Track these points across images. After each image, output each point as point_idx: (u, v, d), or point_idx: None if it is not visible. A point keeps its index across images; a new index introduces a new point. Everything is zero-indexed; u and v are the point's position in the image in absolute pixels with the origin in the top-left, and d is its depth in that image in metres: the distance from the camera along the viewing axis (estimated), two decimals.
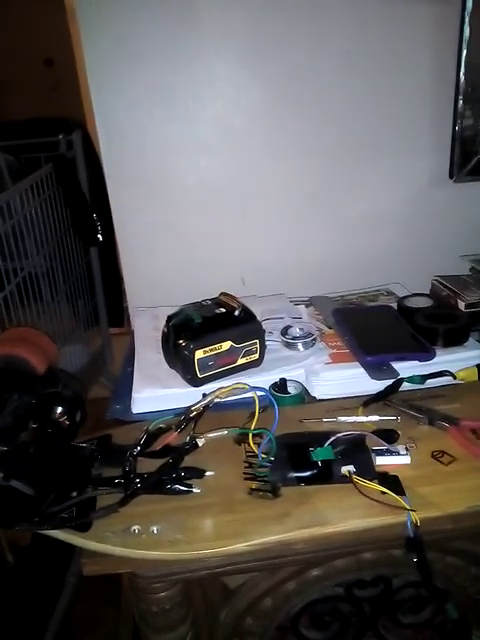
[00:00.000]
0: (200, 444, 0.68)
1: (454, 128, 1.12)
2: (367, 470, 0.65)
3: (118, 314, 1.65)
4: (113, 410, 0.87)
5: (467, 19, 1.02)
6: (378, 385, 0.81)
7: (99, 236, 1.48)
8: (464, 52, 1.05)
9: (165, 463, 0.65)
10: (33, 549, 1.24)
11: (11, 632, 1.14)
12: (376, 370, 0.84)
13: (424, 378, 0.81)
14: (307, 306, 1.08)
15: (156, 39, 1.04)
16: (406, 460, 0.67)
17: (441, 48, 1.08)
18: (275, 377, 0.85)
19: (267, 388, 0.81)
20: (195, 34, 1.04)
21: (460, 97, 1.09)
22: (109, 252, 1.48)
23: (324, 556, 0.68)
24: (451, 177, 1.17)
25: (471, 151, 1.13)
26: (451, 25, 1.05)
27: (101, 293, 1.62)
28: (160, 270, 1.22)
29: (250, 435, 0.69)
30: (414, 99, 1.13)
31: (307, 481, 0.65)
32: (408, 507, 0.61)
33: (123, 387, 0.90)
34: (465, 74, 1.07)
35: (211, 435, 0.70)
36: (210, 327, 0.83)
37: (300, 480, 0.66)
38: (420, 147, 1.17)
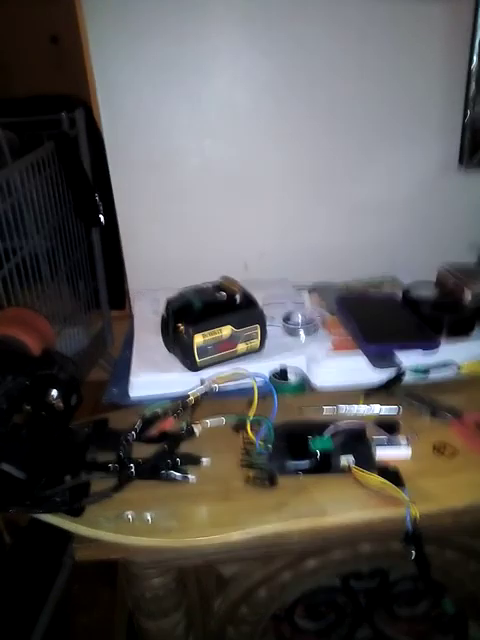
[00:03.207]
0: (197, 431, 0.67)
1: (465, 114, 1.09)
2: (367, 461, 0.64)
3: (120, 297, 1.64)
4: (110, 394, 0.86)
5: None
6: (380, 375, 0.80)
7: (101, 217, 1.46)
8: (478, 34, 1.02)
9: (161, 449, 0.64)
10: (31, 530, 1.24)
11: (7, 613, 1.15)
12: (378, 359, 0.82)
13: (428, 369, 0.80)
14: (310, 292, 1.06)
15: (160, 16, 1.01)
16: (407, 452, 0.66)
17: (453, 31, 1.05)
18: (275, 364, 0.83)
19: (267, 375, 0.80)
20: (200, 11, 1.02)
21: (472, 82, 1.06)
22: (111, 234, 1.45)
23: (321, 547, 0.67)
24: (460, 164, 1.14)
25: None
26: (460, 8, 1.01)
27: (102, 275, 1.61)
28: (162, 252, 1.20)
29: (248, 423, 0.67)
30: (424, 84, 1.10)
31: (305, 471, 0.64)
32: (408, 500, 0.59)
33: (121, 370, 0.89)
34: (477, 58, 1.04)
35: (208, 422, 0.68)
36: (210, 312, 0.82)
37: (298, 470, 0.64)
38: (429, 133, 1.15)
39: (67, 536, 0.62)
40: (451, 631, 0.78)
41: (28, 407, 0.64)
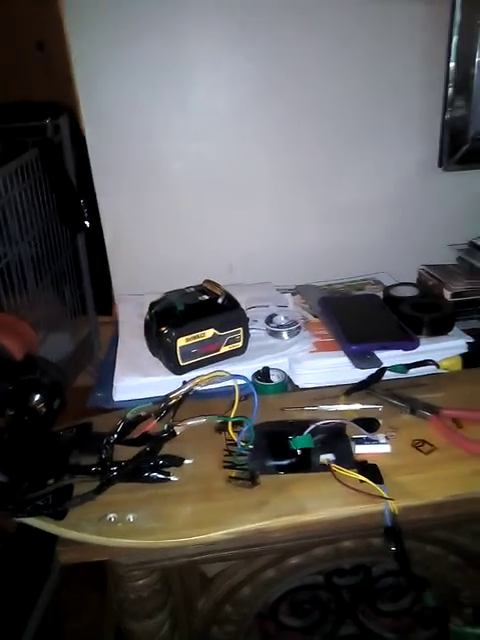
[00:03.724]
0: (178, 432, 0.68)
1: (443, 116, 1.11)
2: (346, 459, 0.65)
3: (107, 302, 1.63)
4: (95, 398, 0.86)
5: (458, 4, 1.01)
6: (362, 374, 0.81)
7: (86, 222, 1.46)
8: (454, 38, 1.04)
9: (142, 451, 0.64)
10: (19, 536, 1.24)
11: None
12: (360, 359, 0.83)
13: (407, 367, 0.81)
14: (293, 294, 1.07)
15: (144, 22, 1.02)
16: (386, 449, 0.67)
17: (432, 35, 1.06)
18: (258, 365, 0.84)
19: (250, 376, 0.81)
20: (183, 16, 1.02)
21: (450, 85, 1.08)
22: (97, 239, 1.46)
23: (303, 544, 0.68)
24: (440, 166, 1.16)
25: (460, 140, 1.12)
26: (442, 11, 1.03)
27: (88, 280, 1.61)
28: (147, 257, 1.21)
29: (230, 423, 0.68)
30: (404, 86, 1.12)
31: (286, 469, 0.65)
32: (386, 496, 0.60)
33: (106, 375, 0.89)
34: (455, 61, 1.06)
35: (190, 423, 0.69)
36: (193, 315, 0.83)
37: (279, 468, 0.65)
38: (409, 135, 1.16)
39: (55, 541, 0.62)
40: (433, 625, 0.79)
41: (11, 412, 0.65)
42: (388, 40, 1.08)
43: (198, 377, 0.70)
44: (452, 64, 1.06)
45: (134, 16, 1.02)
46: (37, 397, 0.67)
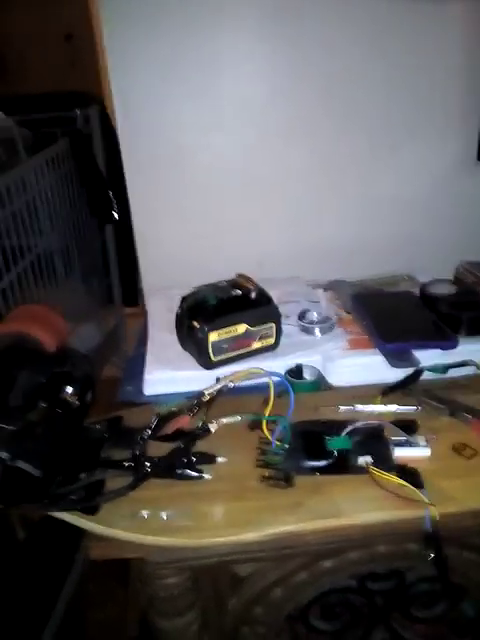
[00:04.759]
0: (212, 429, 0.66)
1: None
2: (385, 461, 0.63)
3: (133, 294, 1.63)
4: (124, 391, 0.86)
5: None
6: (398, 373, 0.78)
7: (114, 214, 1.46)
8: None
9: (176, 447, 0.63)
10: (44, 526, 1.24)
11: (20, 607, 1.15)
12: (396, 358, 0.81)
13: (446, 368, 0.78)
14: (325, 290, 1.05)
15: (174, 12, 1.01)
16: (426, 452, 0.65)
17: (473, 27, 1.03)
18: (291, 362, 0.82)
19: (283, 373, 0.79)
20: (214, 7, 1.01)
21: None
22: (125, 231, 1.45)
23: (337, 548, 0.66)
24: (479, 160, 1.12)
25: None
26: None
27: (116, 272, 1.60)
28: (175, 250, 1.20)
29: (264, 421, 0.67)
30: (443, 80, 1.09)
31: (322, 471, 0.63)
32: (427, 501, 0.58)
33: (135, 368, 0.88)
34: None
35: (224, 420, 0.68)
36: (225, 309, 0.81)
37: (314, 469, 0.63)
38: (447, 129, 1.13)
39: (80, 533, 0.61)
40: (468, 634, 0.77)
41: (44, 404, 0.64)
42: (427, 34, 1.05)
43: (234, 373, 0.69)
44: None
45: (165, 8, 1.01)
46: (70, 390, 0.66)
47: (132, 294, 1.62)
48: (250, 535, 0.58)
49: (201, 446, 0.66)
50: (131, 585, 1.25)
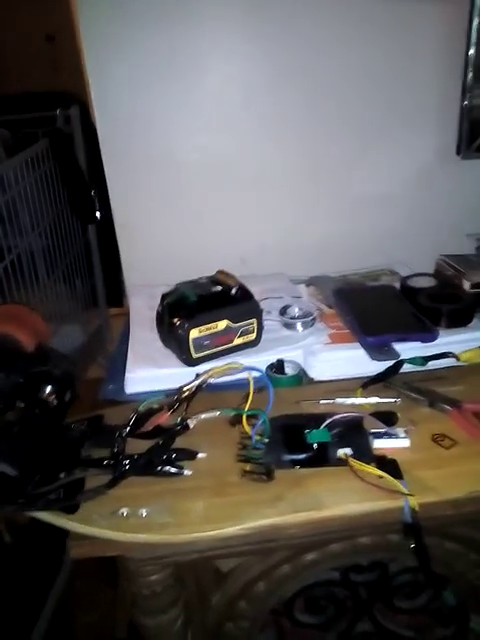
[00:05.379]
0: (191, 425, 0.66)
1: (462, 104, 1.08)
2: (364, 453, 0.63)
3: (117, 294, 1.62)
4: (106, 390, 0.85)
5: None
6: (379, 367, 0.79)
7: (97, 214, 1.45)
8: (475, 22, 1.01)
9: (155, 444, 0.63)
10: (30, 529, 1.23)
11: (8, 611, 1.14)
12: (376, 351, 0.81)
13: (426, 359, 0.79)
14: (307, 286, 1.06)
15: (155, 13, 1.01)
16: (405, 443, 0.65)
17: (450, 19, 1.03)
18: (273, 357, 0.82)
19: (264, 369, 0.79)
20: (195, 7, 1.00)
21: (469, 71, 1.05)
22: (109, 231, 1.44)
23: (319, 540, 0.66)
24: (458, 154, 1.13)
25: (479, 127, 1.09)
26: None
27: (99, 272, 1.60)
28: (158, 248, 1.19)
29: (244, 416, 0.67)
30: (420, 73, 1.09)
31: (302, 464, 0.63)
32: (406, 491, 0.59)
33: (117, 367, 0.88)
34: (475, 48, 1.03)
35: (203, 416, 0.68)
36: (206, 306, 0.81)
37: (295, 463, 0.64)
38: (427, 123, 1.13)
39: (67, 534, 0.61)
40: (452, 623, 0.77)
41: (21, 404, 0.64)
42: (403, 27, 1.05)
43: (212, 369, 0.69)
44: (471, 51, 1.03)
45: (145, 7, 1.00)
46: (48, 389, 0.66)
47: (116, 294, 1.61)
48: (231, 530, 0.58)
49: (182, 442, 0.66)
50: (119, 586, 1.25)
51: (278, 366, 0.81)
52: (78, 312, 1.51)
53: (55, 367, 0.70)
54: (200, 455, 0.65)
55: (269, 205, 1.18)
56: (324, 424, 0.65)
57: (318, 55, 1.06)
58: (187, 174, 1.14)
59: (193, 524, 0.58)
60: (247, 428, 0.66)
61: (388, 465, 0.62)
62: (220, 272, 0.88)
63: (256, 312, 0.85)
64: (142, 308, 1.00)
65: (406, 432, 0.66)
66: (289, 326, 0.90)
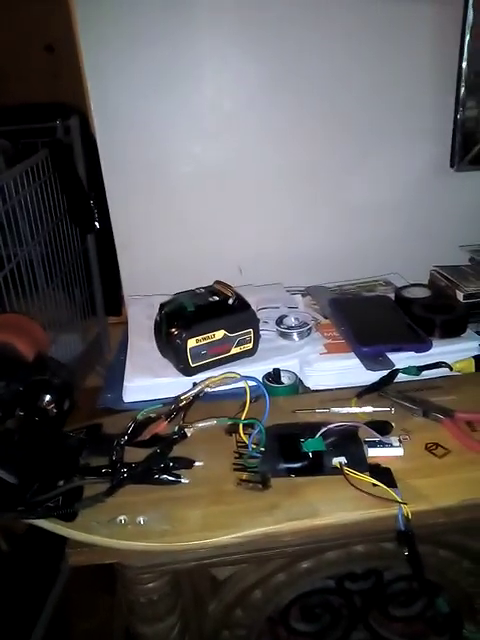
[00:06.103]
0: (189, 434, 0.67)
1: (456, 116, 1.10)
2: (359, 462, 0.64)
3: (116, 303, 1.63)
4: (105, 399, 0.86)
5: (471, 3, 1.00)
6: (373, 376, 0.80)
7: (96, 223, 1.46)
8: (467, 38, 1.03)
9: (153, 453, 0.64)
10: (28, 537, 1.24)
11: (5, 619, 1.14)
12: (371, 361, 0.83)
13: (420, 369, 0.80)
14: (303, 296, 1.07)
15: (153, 23, 1.02)
16: (399, 452, 0.66)
17: (444, 34, 1.06)
18: (269, 367, 0.83)
19: (260, 378, 0.80)
20: (192, 16, 1.02)
21: (462, 85, 1.07)
22: (108, 240, 1.46)
23: (314, 548, 0.67)
24: (452, 166, 1.15)
25: (473, 140, 1.11)
26: (454, 10, 1.02)
27: (98, 281, 1.61)
28: (157, 258, 1.20)
29: (240, 425, 0.68)
30: (415, 85, 1.11)
31: (297, 472, 0.64)
32: (399, 500, 0.60)
33: (115, 376, 0.89)
34: (468, 61, 1.05)
35: (200, 425, 0.68)
36: (203, 315, 0.82)
37: (290, 471, 0.64)
38: (421, 135, 1.15)
39: (64, 542, 0.62)
40: (446, 631, 0.78)
41: (21, 412, 0.64)
42: (398, 39, 1.07)
43: (209, 378, 0.70)
44: (464, 64, 1.05)
45: (144, 18, 1.02)
46: (47, 398, 0.67)
47: (114, 303, 1.62)
48: (227, 538, 0.59)
49: (179, 451, 0.67)
50: (117, 594, 1.25)
51: (274, 375, 0.82)
52: (77, 321, 1.52)
53: (54, 376, 0.70)
54: (197, 463, 0.66)
55: (267, 215, 1.20)
56: (319, 433, 0.66)
57: (314, 66, 1.08)
58: (185, 184, 1.15)
59: (190, 532, 0.59)
60: (243, 437, 0.67)
61: (382, 474, 0.63)
62: (217, 282, 0.89)
63: (253, 322, 0.86)
64: (140, 317, 1.01)
65: (400, 441, 0.67)
66: (285, 336, 0.91)
